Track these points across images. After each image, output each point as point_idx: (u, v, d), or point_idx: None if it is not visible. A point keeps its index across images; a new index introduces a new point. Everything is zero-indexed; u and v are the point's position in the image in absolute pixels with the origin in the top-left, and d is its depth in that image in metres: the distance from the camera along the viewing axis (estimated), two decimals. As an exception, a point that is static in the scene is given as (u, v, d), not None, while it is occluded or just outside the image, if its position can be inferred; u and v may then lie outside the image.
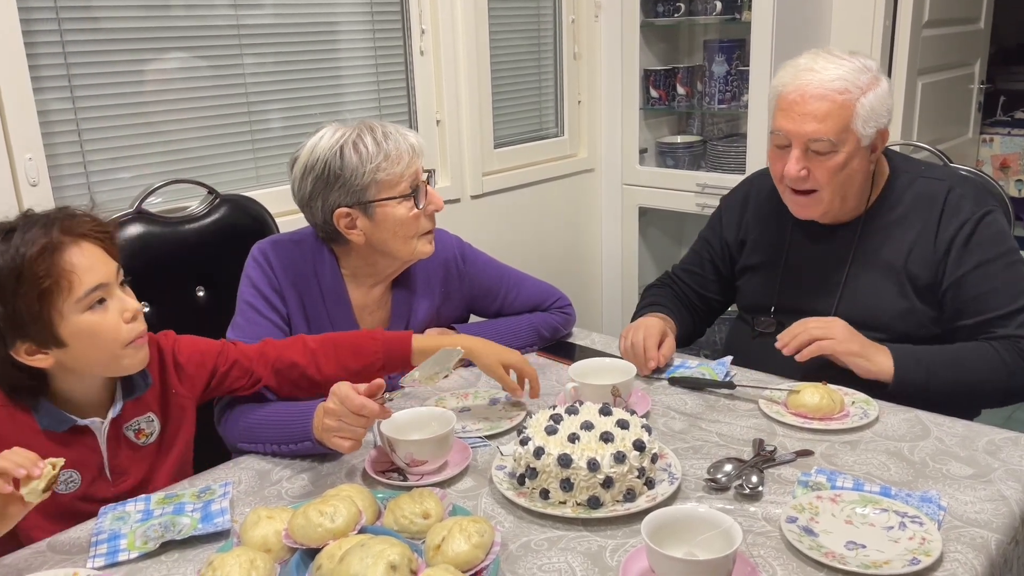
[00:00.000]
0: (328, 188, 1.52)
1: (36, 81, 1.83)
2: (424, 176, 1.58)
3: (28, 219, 1.22)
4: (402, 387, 1.33)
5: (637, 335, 1.66)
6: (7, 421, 1.24)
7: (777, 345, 1.56)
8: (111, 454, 1.31)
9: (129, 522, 1.22)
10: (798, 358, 1.53)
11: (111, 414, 1.31)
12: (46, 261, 1.17)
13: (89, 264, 1.21)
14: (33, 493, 1.07)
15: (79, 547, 1.19)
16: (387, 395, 1.28)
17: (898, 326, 1.61)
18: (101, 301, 1.23)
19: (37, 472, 1.07)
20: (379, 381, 1.27)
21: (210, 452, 1.46)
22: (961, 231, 1.60)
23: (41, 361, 1.22)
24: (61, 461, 1.11)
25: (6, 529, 1.11)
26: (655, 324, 1.69)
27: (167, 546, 1.17)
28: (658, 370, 1.65)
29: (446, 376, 1.35)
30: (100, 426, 1.30)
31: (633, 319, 1.86)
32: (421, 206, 1.55)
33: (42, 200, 1.82)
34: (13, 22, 1.76)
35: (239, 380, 1.44)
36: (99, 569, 1.12)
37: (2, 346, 1.20)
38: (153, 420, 1.37)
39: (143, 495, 1.29)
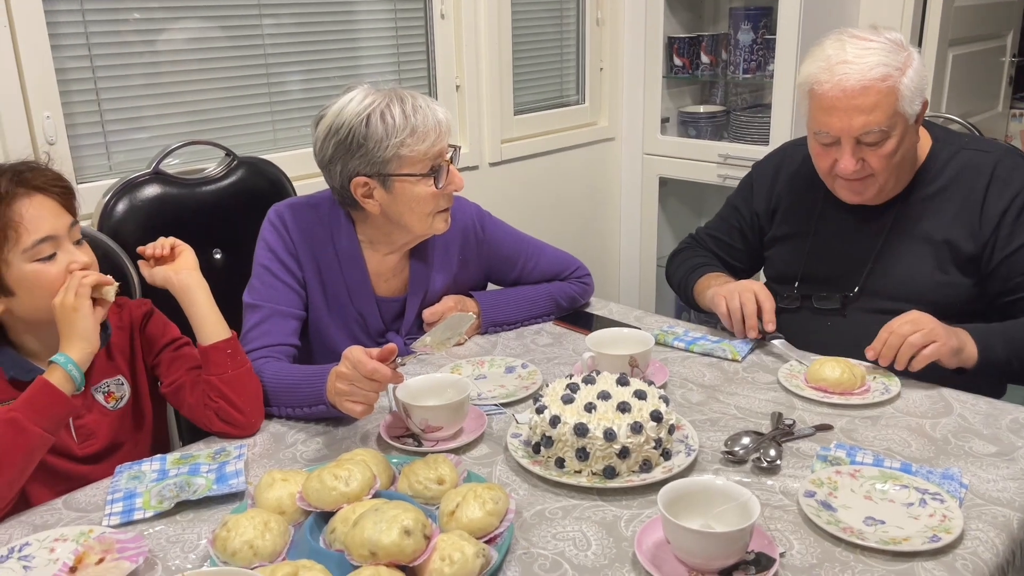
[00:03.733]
0: (349, 155, 1.49)
1: (54, 39, 1.81)
2: (449, 154, 1.55)
3: None
4: (414, 352, 1.32)
5: (746, 296, 1.61)
6: None
7: (874, 359, 1.45)
8: (76, 412, 1.31)
9: (144, 481, 1.23)
10: (912, 369, 1.41)
11: None
12: None
13: (38, 216, 1.24)
14: (110, 292, 1.28)
15: (94, 505, 1.19)
16: (399, 360, 1.27)
17: (933, 298, 1.57)
18: (52, 255, 1.25)
19: (109, 278, 1.28)
20: (391, 346, 1.26)
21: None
22: (1014, 203, 1.55)
23: None
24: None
25: (92, 340, 1.25)
26: (761, 285, 1.62)
27: (182, 506, 1.17)
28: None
29: (458, 342, 1.33)
30: None
31: (682, 283, 1.83)
32: (440, 186, 1.53)
33: (60, 158, 1.81)
34: (31, -22, 1.74)
35: (173, 374, 1.41)
36: (114, 527, 1.13)
37: None
38: (123, 383, 1.38)
39: (159, 455, 1.30)
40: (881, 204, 1.64)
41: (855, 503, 1.12)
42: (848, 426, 1.35)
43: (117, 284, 1.28)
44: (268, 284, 1.56)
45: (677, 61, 3.01)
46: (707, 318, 1.99)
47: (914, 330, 1.41)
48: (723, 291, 1.66)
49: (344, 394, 1.28)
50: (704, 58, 3.00)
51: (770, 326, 1.60)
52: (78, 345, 1.23)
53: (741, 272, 1.90)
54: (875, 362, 1.46)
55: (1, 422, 1.16)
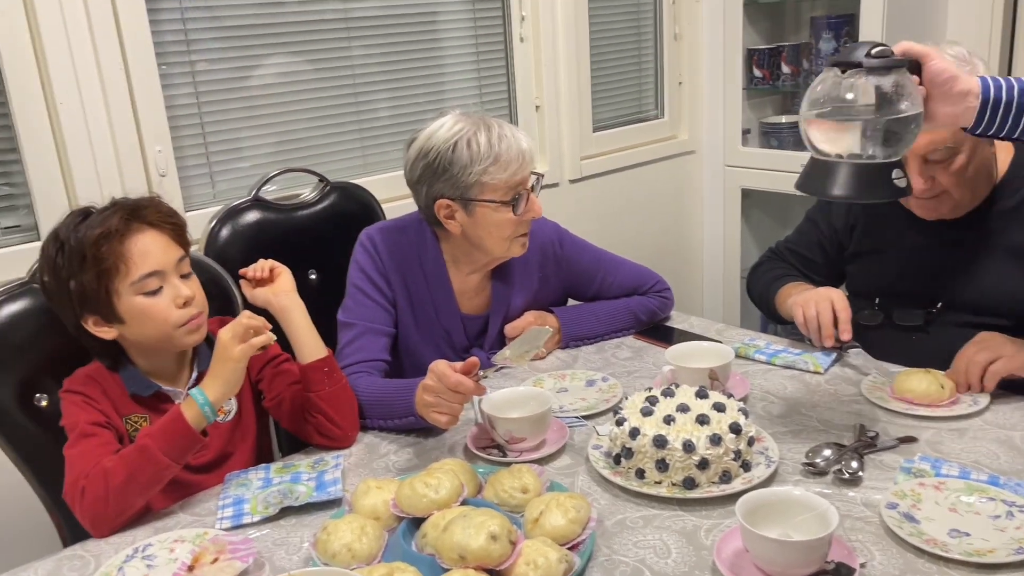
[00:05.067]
0: (435, 177, 1.57)
1: (164, 78, 1.96)
2: (532, 180, 1.60)
3: (111, 205, 1.35)
4: (495, 365, 1.38)
5: (822, 306, 1.59)
6: (104, 381, 1.38)
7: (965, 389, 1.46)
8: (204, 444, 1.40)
9: (251, 488, 1.32)
10: (986, 388, 1.43)
11: (188, 384, 1.43)
12: (106, 244, 1.30)
13: (146, 251, 1.32)
14: (262, 340, 1.31)
15: (208, 510, 1.29)
16: (482, 372, 1.33)
17: (1021, 312, 1.54)
18: (158, 289, 1.33)
19: (265, 330, 1.32)
20: (474, 359, 1.33)
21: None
22: None
23: (106, 333, 1.35)
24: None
25: (235, 388, 1.32)
26: (839, 294, 1.61)
27: (285, 511, 1.26)
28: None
29: (537, 356, 1.38)
30: (180, 395, 1.41)
31: (763, 295, 1.83)
32: (519, 214, 1.59)
33: (171, 189, 1.95)
34: (143, 22, 1.89)
35: (275, 390, 1.50)
36: (226, 530, 1.22)
37: (74, 316, 1.34)
38: (231, 398, 1.46)
39: (263, 464, 1.39)
40: (961, 217, 1.61)
41: (939, 515, 1.12)
42: (934, 438, 1.34)
43: (274, 338, 1.34)
44: (361, 303, 1.65)
45: (757, 72, 3.00)
46: (793, 330, 1.98)
47: (980, 350, 1.42)
48: (800, 300, 1.65)
49: (431, 405, 1.35)
50: (785, 68, 2.98)
51: (845, 335, 1.57)
52: (221, 389, 1.29)
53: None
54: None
55: (136, 447, 1.26)
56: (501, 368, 1.42)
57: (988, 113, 1.17)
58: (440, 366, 1.32)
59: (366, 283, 1.66)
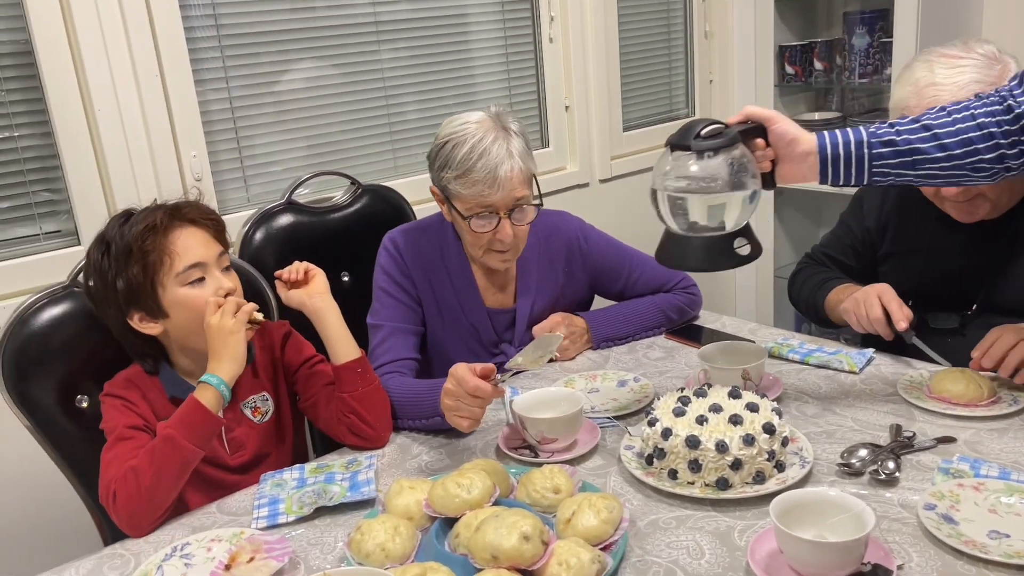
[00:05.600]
0: (431, 163, 1.62)
1: (198, 84, 1.99)
2: (520, 203, 1.57)
3: (151, 205, 1.40)
4: (510, 370, 1.38)
5: (871, 303, 1.55)
6: (143, 385, 1.41)
7: (979, 361, 1.42)
8: (228, 426, 1.43)
9: (286, 488, 1.33)
10: (1018, 379, 1.39)
11: None
12: (151, 238, 1.34)
13: (188, 245, 1.37)
14: (258, 316, 1.38)
15: (244, 510, 1.31)
16: (499, 376, 1.34)
17: None
18: (200, 280, 1.37)
19: (249, 307, 1.36)
20: (490, 365, 1.34)
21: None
22: None
23: (151, 329, 1.38)
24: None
25: (242, 362, 1.35)
26: (885, 287, 1.58)
27: (320, 511, 1.27)
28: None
29: (551, 359, 1.39)
30: None
31: (810, 303, 1.81)
32: (474, 229, 1.58)
33: (205, 193, 1.96)
34: (178, 30, 1.92)
35: (309, 391, 1.52)
36: (262, 530, 1.24)
37: (120, 313, 1.37)
38: (267, 399, 1.50)
39: (298, 465, 1.41)
40: (997, 218, 1.58)
41: (978, 516, 1.10)
42: (972, 438, 1.31)
43: (256, 306, 1.39)
44: (387, 305, 1.67)
45: (789, 69, 2.97)
46: (827, 331, 1.95)
47: (1008, 330, 1.38)
48: (850, 306, 1.62)
49: (451, 409, 1.37)
50: (817, 65, 2.95)
51: (901, 325, 1.53)
52: (230, 366, 1.34)
53: None
54: (984, 369, 1.42)
55: (159, 439, 1.29)
56: (516, 373, 1.42)
57: (830, 170, 1.25)
58: (460, 370, 1.34)
59: (390, 284, 1.68)
